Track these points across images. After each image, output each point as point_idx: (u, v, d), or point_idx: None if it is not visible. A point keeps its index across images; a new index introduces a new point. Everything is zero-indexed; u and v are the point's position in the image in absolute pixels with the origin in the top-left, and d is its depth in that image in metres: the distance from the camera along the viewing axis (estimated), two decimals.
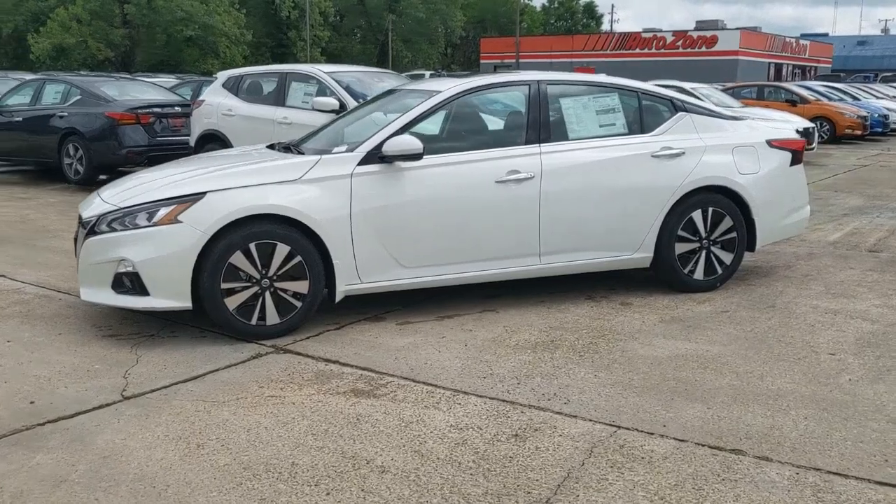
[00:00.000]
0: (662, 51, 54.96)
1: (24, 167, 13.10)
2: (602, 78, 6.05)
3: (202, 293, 4.70)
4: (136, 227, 4.72)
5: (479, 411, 3.79)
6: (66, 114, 11.58)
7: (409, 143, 4.98)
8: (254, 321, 4.81)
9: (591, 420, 3.68)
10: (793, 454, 3.31)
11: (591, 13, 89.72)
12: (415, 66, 68.40)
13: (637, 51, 56.15)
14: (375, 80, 9.65)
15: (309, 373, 4.33)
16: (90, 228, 4.87)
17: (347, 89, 9.09)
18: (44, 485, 3.10)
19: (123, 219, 4.77)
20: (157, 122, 11.33)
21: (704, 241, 5.78)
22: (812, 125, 15.68)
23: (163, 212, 4.70)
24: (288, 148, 5.62)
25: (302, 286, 4.88)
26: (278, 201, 4.78)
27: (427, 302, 5.55)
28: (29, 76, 18.26)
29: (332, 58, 65.69)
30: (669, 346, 4.70)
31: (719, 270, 5.87)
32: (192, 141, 10.64)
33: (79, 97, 11.73)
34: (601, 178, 5.48)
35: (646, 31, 58.09)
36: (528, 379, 4.19)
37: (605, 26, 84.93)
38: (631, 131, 5.72)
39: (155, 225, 4.68)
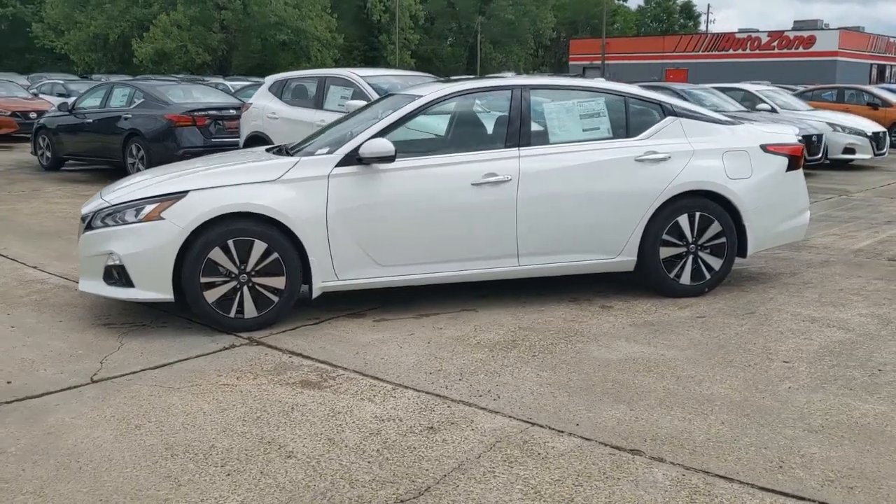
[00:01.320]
0: (757, 52, 53.54)
1: (97, 167, 13.85)
2: (590, 82, 6.10)
3: (184, 286, 4.99)
4: (125, 222, 5.05)
5: (408, 404, 3.94)
6: (129, 116, 12.23)
7: (383, 145, 5.17)
8: (232, 314, 5.08)
9: (509, 417, 3.78)
10: (690, 457, 3.34)
11: (689, 13, 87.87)
12: (505, 68, 68.58)
13: (731, 52, 54.85)
14: (409, 83, 9.83)
15: (270, 364, 4.56)
16: (87, 224, 5.24)
17: (380, 92, 9.32)
18: None
19: (114, 215, 5.11)
20: (212, 124, 11.84)
21: (691, 246, 5.76)
22: (883, 130, 15.15)
23: (148, 209, 5.02)
24: (281, 150, 5.87)
25: (279, 282, 5.12)
26: (254, 200, 5.04)
27: (410, 300, 5.71)
28: (115, 79, 19.24)
29: (423, 60, 66.51)
30: (626, 349, 4.74)
31: (707, 276, 5.84)
32: (241, 142, 11.08)
33: (142, 100, 12.37)
34: (581, 182, 5.54)
35: (741, 31, 56.67)
36: (472, 376, 4.32)
37: (703, 27, 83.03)
38: (616, 135, 5.75)
39: (140, 221, 5.01)
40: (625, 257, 5.69)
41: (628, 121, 5.80)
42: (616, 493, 3.04)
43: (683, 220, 5.71)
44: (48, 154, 13.95)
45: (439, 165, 5.41)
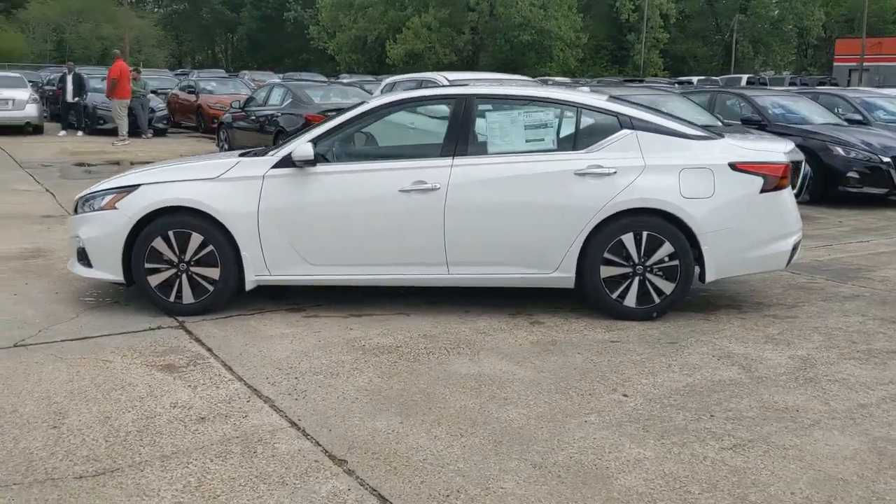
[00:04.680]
0: None
1: None
2: (544, 92, 5.93)
3: (133, 270, 5.59)
4: (92, 209, 5.73)
5: (219, 395, 4.21)
6: (279, 114, 13.33)
7: (305, 150, 5.44)
8: (172, 299, 5.59)
9: (280, 414, 3.94)
10: (378, 471, 3.33)
11: None
12: (765, 68, 64.62)
13: None
14: (497, 85, 9.89)
15: (165, 346, 5.01)
16: (74, 208, 5.99)
17: None
18: None
19: (89, 202, 5.81)
20: None
21: (638, 267, 5.44)
22: None
23: (107, 199, 5.67)
24: (247, 153, 6.25)
25: (214, 272, 5.56)
26: (191, 195, 5.51)
27: (360, 299, 5.89)
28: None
29: (676, 60, 64.43)
30: (490, 365, 4.65)
31: (656, 300, 5.48)
32: None
33: (291, 100, 13.43)
34: (513, 194, 5.44)
35: None
36: (311, 376, 4.49)
37: None
38: (561, 147, 5.57)
39: (101, 210, 5.66)
40: (562, 273, 5.50)
41: (578, 133, 5.59)
42: (284, 498, 3.14)
43: (628, 239, 5.41)
44: (226, 147, 15.51)
45: (369, 171, 5.58)
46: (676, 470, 3.36)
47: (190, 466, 3.41)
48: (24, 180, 12.28)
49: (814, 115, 12.25)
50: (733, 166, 5.46)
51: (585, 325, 5.41)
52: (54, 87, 22.80)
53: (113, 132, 18.56)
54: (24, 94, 19.63)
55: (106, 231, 5.59)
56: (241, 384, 4.37)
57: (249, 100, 15.25)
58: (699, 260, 5.47)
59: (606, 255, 5.43)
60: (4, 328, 5.29)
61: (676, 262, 5.43)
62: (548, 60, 56.25)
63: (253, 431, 3.75)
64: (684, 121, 6.10)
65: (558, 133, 5.62)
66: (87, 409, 4.01)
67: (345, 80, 23.81)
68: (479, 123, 5.63)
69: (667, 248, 5.41)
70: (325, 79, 32.96)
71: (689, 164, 5.44)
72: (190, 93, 22.34)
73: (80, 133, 19.99)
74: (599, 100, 5.78)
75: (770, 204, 5.52)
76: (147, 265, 5.54)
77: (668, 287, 5.47)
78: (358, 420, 3.88)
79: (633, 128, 5.54)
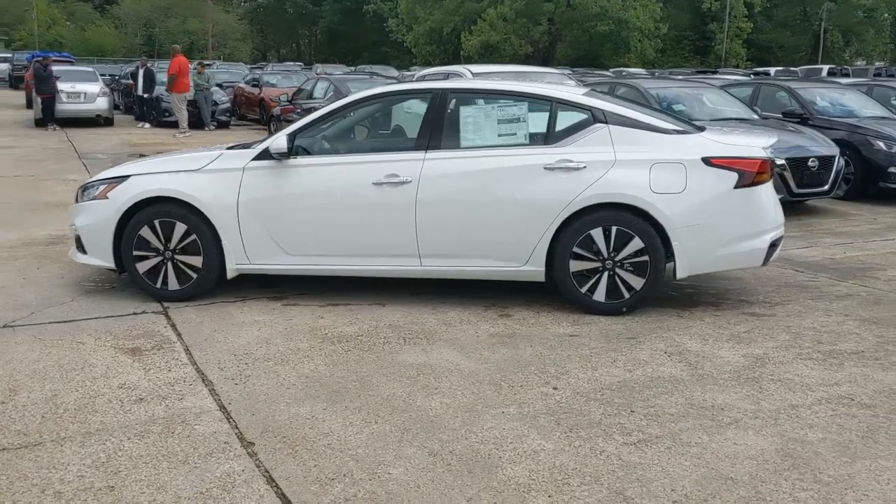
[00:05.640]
0: None
1: None
2: (519, 87, 5.93)
3: (123, 257, 5.85)
4: (88, 198, 6.02)
5: (166, 378, 4.39)
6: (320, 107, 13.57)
7: (279, 143, 5.60)
8: (158, 285, 5.83)
9: (214, 398, 4.10)
10: (273, 451, 3.45)
11: None
12: (857, 59, 62.22)
13: None
14: (520, 78, 9.91)
15: (140, 330, 5.24)
16: (76, 197, 6.30)
17: None
18: None
19: (85, 192, 6.11)
20: None
21: (607, 262, 5.42)
22: None
23: (100, 189, 5.94)
24: (234, 146, 6.42)
25: (197, 261, 5.78)
26: (174, 186, 5.73)
27: (342, 289, 6.01)
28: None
29: (761, 49, 62.61)
30: (438, 356, 4.72)
31: (626, 295, 5.44)
32: None
33: (332, 93, 13.67)
34: (483, 188, 5.48)
35: None
36: (261, 362, 4.64)
37: None
38: (532, 142, 5.57)
39: (95, 199, 5.94)
40: (532, 267, 5.52)
41: (550, 127, 5.58)
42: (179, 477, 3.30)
43: (597, 234, 5.39)
44: None
45: (344, 164, 5.70)
46: (567, 463, 3.38)
47: (107, 444, 3.59)
48: (78, 170, 12.85)
49: (862, 108, 11.81)
50: (707, 161, 5.38)
51: (553, 320, 5.41)
52: (129, 81, 23.73)
53: (177, 125, 19.20)
54: (95, 87, 20.50)
55: (98, 219, 5.86)
56: (192, 368, 4.55)
57: (297, 93, 15.58)
58: (672, 256, 5.40)
59: (576, 249, 5.42)
60: (0, 310, 5.61)
61: (646, 258, 5.38)
62: (625, 51, 55.40)
63: (181, 413, 3.92)
64: (664, 115, 6.03)
65: (531, 127, 5.62)
66: (40, 387, 4.24)
67: (403, 73, 24.01)
68: (453, 118, 5.68)
69: (636, 243, 5.37)
70: (396, 72, 33.27)
71: (661, 159, 5.38)
72: (254, 86, 22.90)
73: (146, 125, 20.76)
74: (575, 94, 5.76)
75: (745, 200, 5.40)
76: (135, 252, 5.78)
77: (637, 283, 5.42)
78: (284, 406, 4.01)
79: (606, 122, 5.51)
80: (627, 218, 5.37)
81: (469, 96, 5.80)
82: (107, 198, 5.85)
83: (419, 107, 5.82)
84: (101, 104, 20.44)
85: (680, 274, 5.44)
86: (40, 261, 6.99)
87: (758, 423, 3.77)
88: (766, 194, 5.51)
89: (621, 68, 42.73)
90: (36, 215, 9.04)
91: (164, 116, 20.36)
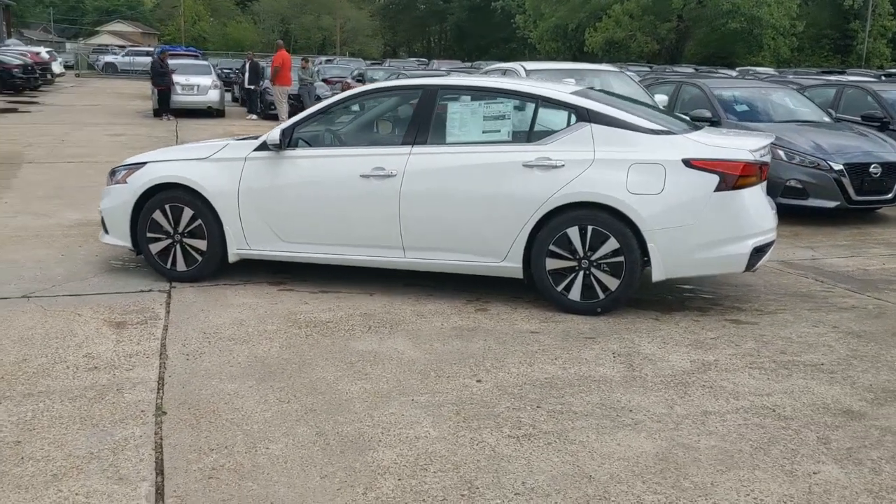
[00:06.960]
0: None
1: None
2: (507, 84, 5.95)
3: (138, 238, 6.28)
4: (113, 182, 6.49)
5: (131, 350, 4.73)
6: None
7: (274, 135, 5.88)
8: (168, 265, 6.23)
9: (160, 370, 4.39)
10: (215, 418, 3.70)
11: None
12: None
13: None
14: (576, 76, 9.84)
15: (137, 307, 5.63)
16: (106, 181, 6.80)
17: None
18: None
19: (112, 176, 6.58)
20: None
21: (583, 262, 5.40)
22: None
23: (122, 173, 6.40)
24: (243, 137, 6.75)
25: (202, 244, 6.14)
26: (183, 173, 6.10)
27: (340, 277, 6.23)
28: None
29: None
30: (389, 345, 4.86)
31: (601, 295, 5.42)
32: None
33: None
34: (464, 183, 5.57)
35: None
36: (223, 341, 4.91)
37: None
38: (515, 139, 5.61)
39: (117, 183, 6.40)
40: (509, 263, 5.57)
41: (533, 125, 5.61)
42: (82, 438, 3.60)
43: (574, 233, 5.39)
44: None
45: (335, 156, 5.92)
46: (439, 450, 3.47)
47: (40, 405, 3.94)
48: None
49: None
50: (687, 163, 5.27)
51: (525, 317, 5.45)
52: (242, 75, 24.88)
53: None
54: (207, 80, 21.63)
55: (118, 202, 6.31)
56: (158, 343, 4.87)
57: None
58: (647, 257, 5.34)
59: (552, 247, 5.44)
60: (27, 281, 6.13)
61: (621, 259, 5.33)
62: (758, 50, 53.34)
63: (120, 383, 4.23)
64: (653, 115, 5.91)
65: (515, 125, 5.66)
66: (16, 352, 4.66)
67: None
68: (440, 114, 5.79)
69: (612, 243, 5.33)
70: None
71: (640, 160, 5.32)
72: (359, 81, 23.52)
73: (254, 117, 21.73)
74: (562, 93, 5.75)
75: (726, 203, 5.27)
76: (149, 234, 6.20)
77: (612, 283, 5.38)
78: (217, 381, 4.26)
79: (589, 121, 5.49)
80: (603, 218, 5.34)
81: (457, 93, 5.89)
82: (126, 182, 6.28)
83: (412, 102, 5.95)
84: (213, 96, 21.54)
85: (656, 276, 5.37)
86: (87, 239, 7.54)
87: (656, 427, 3.72)
88: (752, 198, 5.35)
89: (748, 67, 41.20)
90: None
91: (270, 109, 21.22)
